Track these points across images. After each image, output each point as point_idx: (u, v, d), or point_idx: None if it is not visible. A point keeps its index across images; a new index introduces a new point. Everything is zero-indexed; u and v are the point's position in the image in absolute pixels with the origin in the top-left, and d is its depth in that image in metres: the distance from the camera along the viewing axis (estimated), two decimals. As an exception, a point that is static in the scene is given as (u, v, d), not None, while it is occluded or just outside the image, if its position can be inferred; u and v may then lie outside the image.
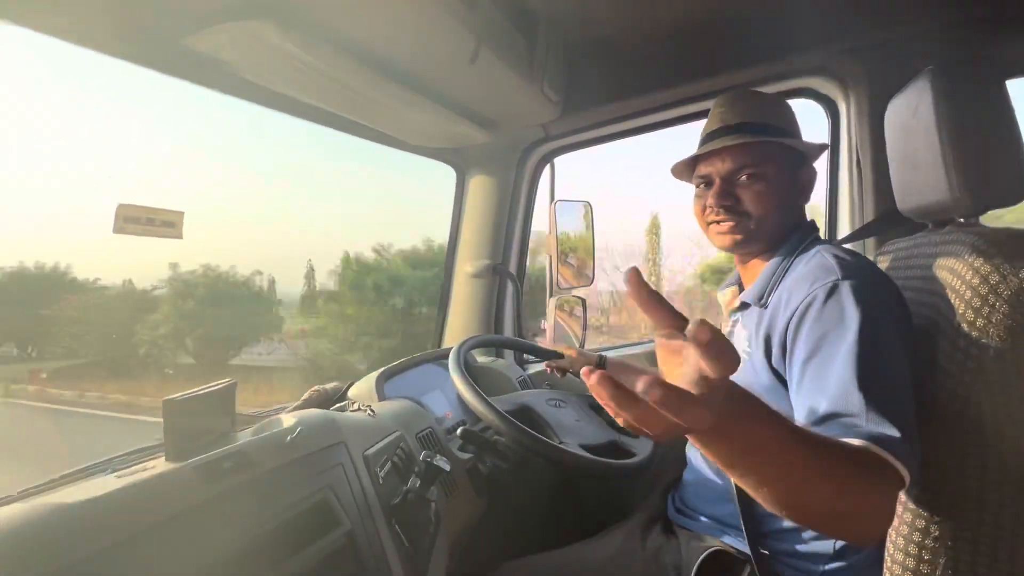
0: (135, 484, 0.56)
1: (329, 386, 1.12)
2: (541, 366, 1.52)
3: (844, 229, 1.18)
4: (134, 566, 0.50)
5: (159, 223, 0.88)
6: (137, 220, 0.86)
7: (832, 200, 1.21)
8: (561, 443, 0.98)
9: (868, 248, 1.13)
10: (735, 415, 0.42)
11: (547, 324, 1.59)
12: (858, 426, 0.57)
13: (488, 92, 1.14)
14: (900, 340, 0.65)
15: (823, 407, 0.61)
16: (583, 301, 1.62)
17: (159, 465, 0.63)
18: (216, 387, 0.73)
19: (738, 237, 0.83)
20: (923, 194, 0.77)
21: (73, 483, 0.72)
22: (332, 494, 0.66)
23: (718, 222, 0.83)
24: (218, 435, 0.72)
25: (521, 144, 1.45)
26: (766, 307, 0.78)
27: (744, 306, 0.86)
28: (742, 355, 0.82)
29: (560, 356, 1.28)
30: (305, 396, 1.05)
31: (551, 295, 1.58)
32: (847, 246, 1.11)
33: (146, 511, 0.53)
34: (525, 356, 1.55)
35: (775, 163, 0.82)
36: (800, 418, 0.65)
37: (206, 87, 0.89)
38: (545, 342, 1.42)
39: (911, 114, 0.77)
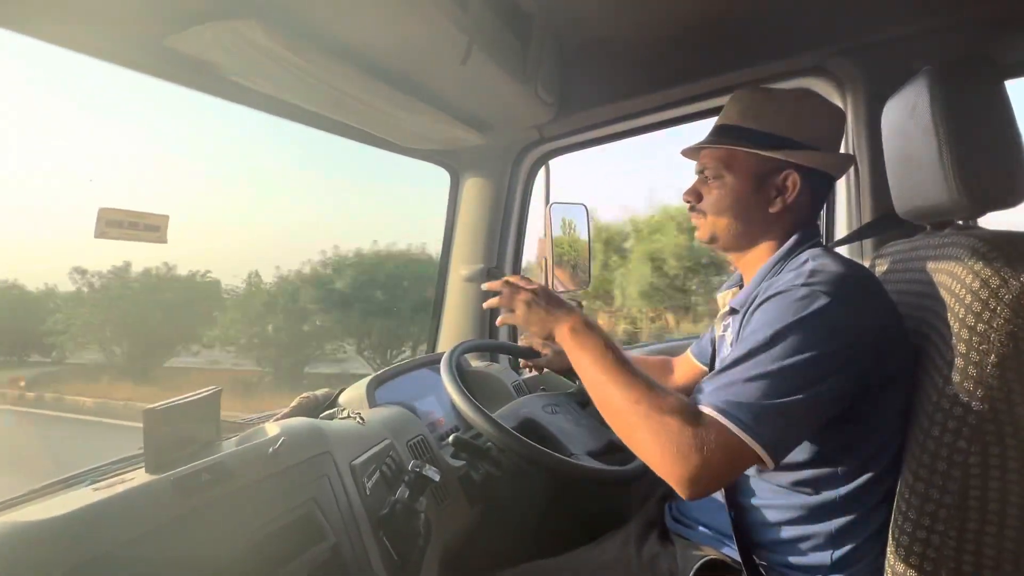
0: (112, 497, 0.54)
1: (319, 392, 1.10)
2: (521, 365, 1.50)
3: (841, 231, 1.17)
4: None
5: (143, 227, 0.86)
6: (120, 224, 0.84)
7: (829, 202, 1.20)
8: (571, 455, 0.95)
9: (866, 250, 1.11)
10: (573, 328, 0.76)
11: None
12: (706, 396, 0.63)
13: (481, 93, 1.13)
14: (846, 355, 0.63)
15: (705, 379, 0.66)
16: (579, 304, 1.60)
17: (138, 477, 0.62)
18: (200, 395, 0.72)
19: (701, 235, 0.86)
20: (921, 196, 0.75)
21: (51, 495, 0.71)
22: (316, 506, 0.64)
23: (693, 216, 0.87)
24: (201, 445, 0.70)
25: (515, 146, 1.44)
26: (751, 309, 0.76)
27: (733, 311, 0.84)
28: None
29: (536, 354, 1.26)
30: (294, 403, 1.03)
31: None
32: (843, 249, 1.10)
33: (123, 525, 0.52)
34: (520, 360, 1.54)
35: (738, 169, 0.81)
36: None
37: (190, 88, 0.87)
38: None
39: (908, 115, 0.75)
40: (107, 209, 0.81)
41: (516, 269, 1.57)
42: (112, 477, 0.67)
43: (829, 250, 0.78)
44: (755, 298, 0.74)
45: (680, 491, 0.61)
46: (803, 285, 0.66)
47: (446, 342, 1.51)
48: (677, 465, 0.60)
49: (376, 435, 0.87)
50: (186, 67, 0.80)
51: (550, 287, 1.52)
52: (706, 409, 0.62)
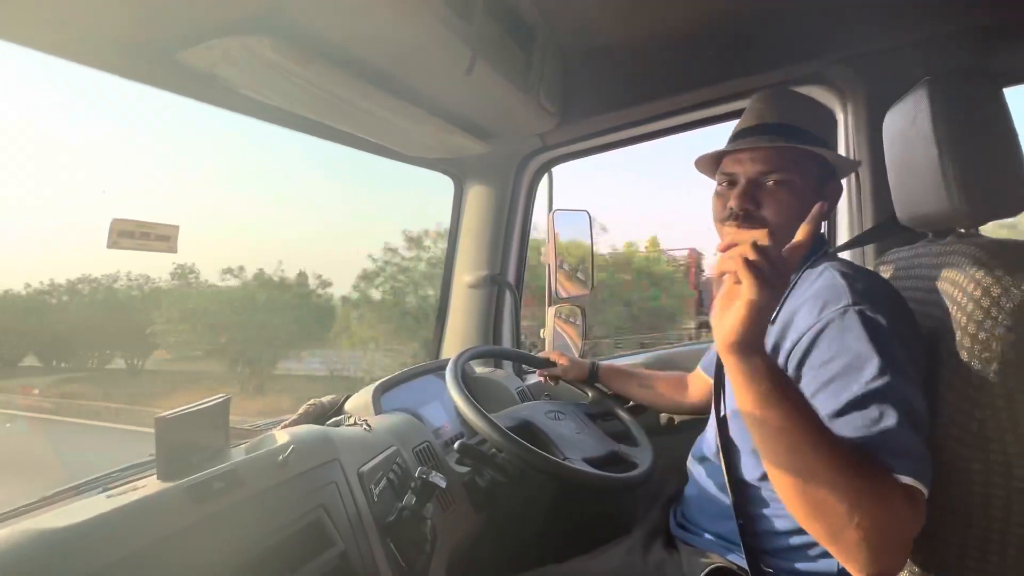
0: (126, 506, 0.55)
1: (326, 399, 1.11)
2: (536, 375, 1.51)
3: (843, 238, 1.17)
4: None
5: (154, 237, 0.88)
6: (131, 235, 0.85)
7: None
8: (565, 459, 0.97)
9: (867, 256, 1.12)
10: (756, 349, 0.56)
11: (546, 333, 1.59)
12: (896, 461, 0.56)
13: (485, 103, 1.14)
14: (912, 363, 0.64)
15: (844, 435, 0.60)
16: (582, 310, 1.61)
17: (150, 484, 0.63)
18: (209, 403, 0.73)
19: None
20: (922, 204, 0.76)
21: (65, 501, 0.72)
22: (325, 513, 0.65)
23: (739, 225, 0.79)
24: (211, 452, 0.71)
25: (519, 154, 1.45)
26: (773, 323, 0.76)
27: None
28: None
29: (552, 364, 1.27)
30: (301, 410, 1.04)
31: (550, 304, 1.57)
32: (847, 255, 1.10)
33: (136, 533, 0.52)
34: (524, 367, 1.54)
35: (805, 172, 0.77)
36: None
37: (201, 102, 0.89)
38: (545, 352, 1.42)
39: (909, 124, 0.76)
40: (119, 220, 0.83)
41: (519, 276, 1.58)
42: (124, 484, 0.68)
43: (843, 261, 0.79)
44: (780, 308, 0.75)
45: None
46: (852, 305, 0.65)
47: (450, 348, 1.52)
48: (889, 555, 0.54)
49: (383, 442, 0.87)
50: (197, 81, 0.82)
51: (552, 293, 1.53)
52: (905, 480, 0.55)
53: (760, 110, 0.82)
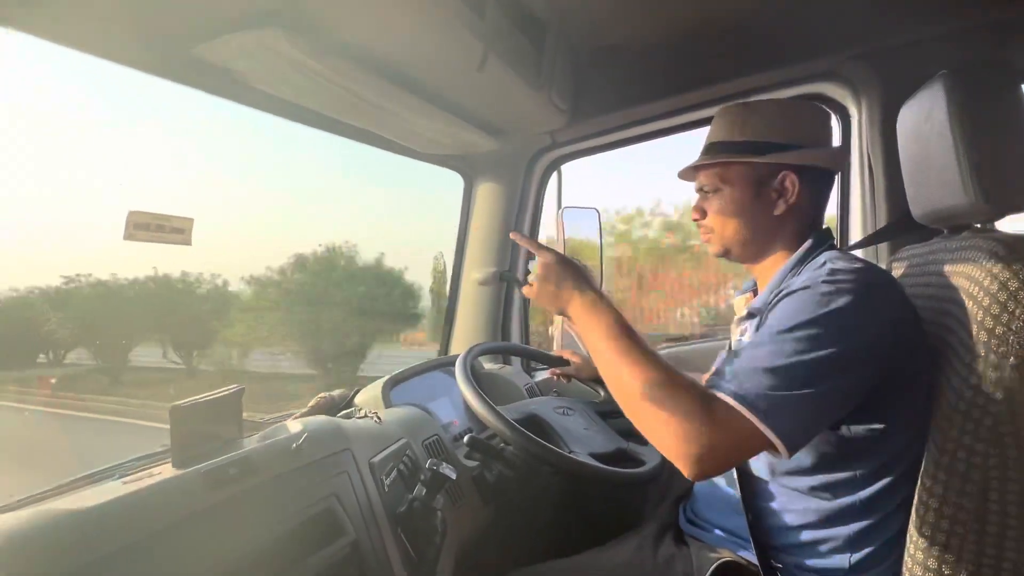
0: (141, 490, 0.56)
1: (336, 392, 1.11)
2: (548, 373, 1.51)
3: (856, 236, 1.17)
4: (139, 572, 0.49)
5: (169, 229, 0.89)
6: (147, 227, 0.86)
7: (843, 206, 1.20)
8: (570, 452, 0.98)
9: (881, 254, 1.11)
10: (586, 305, 0.74)
11: (554, 331, 1.59)
12: (722, 382, 0.63)
13: (496, 99, 1.15)
14: (844, 359, 0.63)
15: (720, 366, 0.68)
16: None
17: (165, 471, 0.63)
18: (223, 393, 0.73)
19: (713, 248, 0.88)
20: (938, 200, 0.75)
21: (80, 488, 0.73)
22: (337, 502, 0.66)
23: (702, 232, 0.89)
24: (225, 442, 0.72)
25: (528, 151, 1.45)
26: (770, 310, 0.77)
27: (751, 315, 0.85)
28: None
29: (566, 363, 1.27)
30: (312, 403, 1.05)
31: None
32: (858, 252, 1.10)
33: (151, 517, 0.53)
34: (532, 363, 1.54)
35: (736, 180, 0.83)
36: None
37: (217, 95, 0.90)
38: (554, 349, 1.42)
39: (924, 119, 0.76)
40: (135, 212, 0.84)
41: (528, 273, 1.58)
42: (139, 471, 0.69)
43: (846, 252, 0.79)
44: (774, 299, 0.75)
45: (685, 470, 0.62)
46: (824, 282, 0.66)
47: (458, 344, 1.52)
48: (686, 444, 0.61)
49: (393, 434, 0.88)
50: (212, 75, 0.83)
51: None
52: (722, 395, 0.62)
53: (712, 129, 0.89)
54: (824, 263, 0.73)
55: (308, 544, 0.60)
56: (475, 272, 1.51)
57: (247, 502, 0.59)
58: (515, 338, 1.55)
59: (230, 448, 0.70)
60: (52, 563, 0.46)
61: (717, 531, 0.86)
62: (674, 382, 0.64)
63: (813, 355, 0.62)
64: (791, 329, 0.64)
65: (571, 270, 0.78)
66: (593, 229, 1.61)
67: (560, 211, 1.55)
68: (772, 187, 0.82)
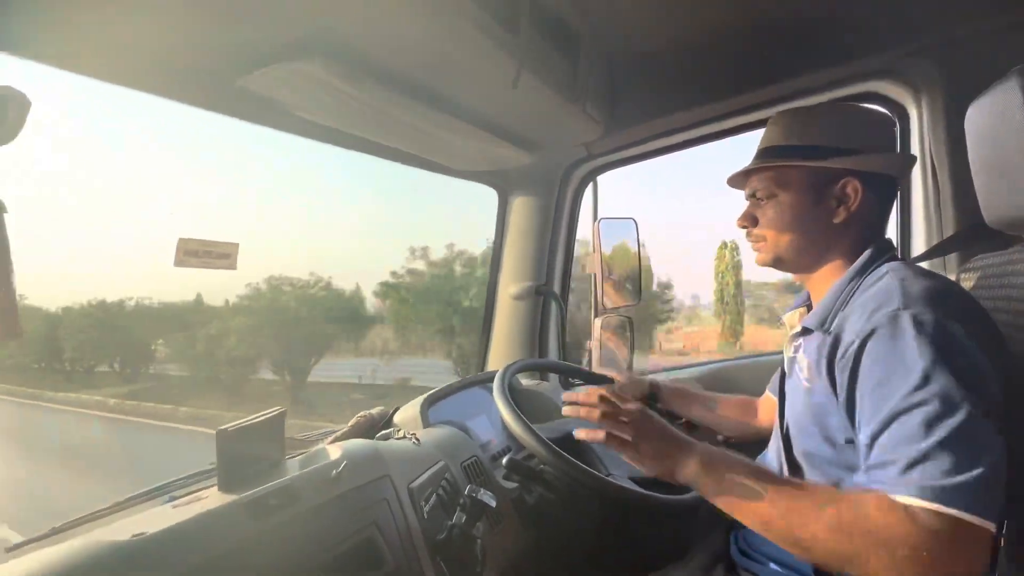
0: (190, 520, 0.57)
1: (375, 411, 1.12)
2: (586, 390, 1.47)
3: (920, 245, 1.08)
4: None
5: (216, 255, 0.92)
6: (195, 253, 0.90)
7: (904, 215, 1.12)
8: (609, 475, 0.94)
9: (950, 265, 1.02)
10: (702, 465, 0.68)
11: (592, 345, 1.55)
12: (896, 479, 0.56)
13: (530, 114, 1.14)
14: (973, 374, 0.58)
15: (878, 456, 0.60)
16: (630, 321, 1.57)
17: (212, 496, 0.65)
18: (266, 416, 0.75)
19: (762, 257, 0.84)
20: (1016, 205, 0.69)
21: (133, 507, 0.75)
22: (377, 531, 0.65)
23: (752, 241, 0.85)
24: (268, 465, 0.73)
25: (563, 164, 1.44)
26: (829, 333, 0.72)
27: (807, 331, 0.80)
28: (802, 384, 0.76)
29: (609, 381, 1.23)
30: (352, 422, 1.05)
31: (596, 315, 1.54)
32: (924, 264, 1.02)
33: (198, 547, 0.54)
34: (571, 379, 1.51)
35: (793, 185, 0.79)
36: (862, 455, 0.63)
37: (258, 124, 0.93)
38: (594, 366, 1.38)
39: (998, 118, 0.69)
40: (185, 239, 0.88)
41: (565, 286, 1.56)
42: (188, 493, 0.70)
43: (910, 264, 0.73)
44: (832, 317, 0.72)
45: None
46: (907, 309, 0.61)
47: (496, 360, 1.51)
48: (898, 572, 0.53)
49: (431, 457, 0.87)
50: (254, 105, 0.85)
51: (600, 303, 1.49)
52: (914, 501, 0.54)
53: (767, 135, 0.86)
54: (886, 274, 0.69)
55: (348, 574, 0.60)
56: (511, 286, 1.50)
57: (289, 531, 0.59)
58: (552, 354, 1.53)
59: (273, 471, 0.70)
60: None
61: (773, 565, 0.81)
62: (850, 505, 0.57)
63: (965, 405, 0.55)
64: (924, 382, 0.57)
65: (662, 423, 0.73)
66: (631, 239, 1.57)
67: (596, 222, 1.52)
68: (833, 194, 0.78)
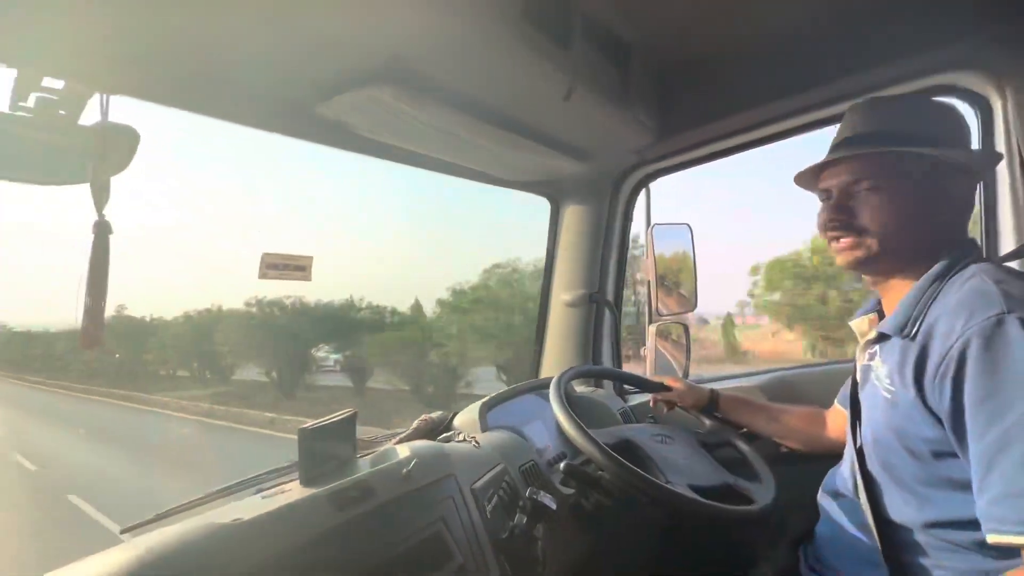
0: (281, 508, 0.62)
1: (435, 415, 1.17)
2: (643, 397, 1.46)
3: (1008, 245, 1.00)
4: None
5: (293, 268, 1.00)
6: (276, 266, 0.98)
7: (989, 212, 1.04)
8: (667, 482, 0.93)
9: None
10: None
11: (647, 352, 1.54)
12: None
13: (581, 124, 1.16)
14: None
15: (995, 484, 0.56)
16: (686, 328, 1.54)
17: (295, 489, 0.70)
18: (339, 416, 0.80)
19: (857, 255, 0.76)
20: None
21: (224, 497, 0.83)
22: (444, 527, 0.68)
23: (835, 239, 0.77)
24: (341, 462, 0.78)
25: (615, 171, 1.44)
26: (913, 339, 0.68)
27: (883, 337, 0.76)
28: (883, 394, 0.73)
29: (667, 389, 1.22)
30: (415, 424, 1.10)
31: (650, 322, 1.52)
32: (1013, 264, 0.94)
33: (287, 533, 0.59)
34: (626, 387, 1.50)
35: (903, 174, 0.72)
36: (975, 474, 0.59)
37: (332, 147, 1.01)
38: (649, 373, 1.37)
39: None
40: (268, 254, 0.96)
41: (619, 292, 1.55)
42: (273, 487, 0.77)
43: (999, 264, 0.69)
44: (915, 322, 0.68)
45: None
46: (1008, 313, 0.58)
47: (549, 367, 1.53)
48: None
49: (491, 459, 0.90)
50: (329, 130, 0.93)
51: (654, 309, 1.48)
52: None
53: (852, 122, 0.78)
54: (974, 275, 0.65)
55: (420, 567, 0.64)
56: (564, 294, 1.51)
57: (366, 523, 0.63)
58: (606, 361, 1.52)
59: (347, 468, 0.76)
60: (214, 572, 0.53)
61: (846, 581, 0.77)
62: None
63: None
64: None
65: None
66: (686, 245, 1.55)
67: (650, 228, 1.51)
68: (941, 188, 0.72)
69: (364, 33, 0.72)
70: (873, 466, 0.75)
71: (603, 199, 1.47)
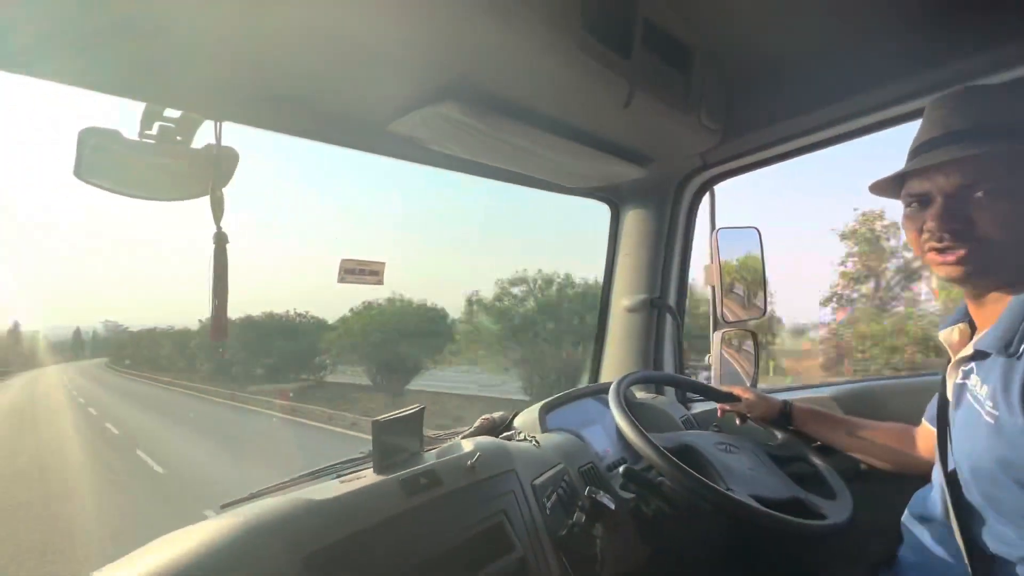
0: (358, 490, 0.68)
1: (496, 415, 1.21)
2: (707, 406, 1.42)
3: None
4: (355, 560, 0.61)
5: (368, 272, 1.08)
6: (352, 271, 1.07)
7: None
8: (728, 489, 0.90)
9: None
10: None
11: (712, 360, 1.49)
12: None
13: (642, 130, 1.16)
14: None
15: None
16: (753, 335, 1.48)
17: (368, 476, 0.76)
18: (409, 411, 0.86)
19: (971, 268, 0.67)
20: None
21: (307, 483, 0.91)
22: (506, 519, 0.72)
23: (942, 250, 0.68)
24: (409, 454, 0.84)
25: (678, 175, 1.42)
26: (1019, 357, 0.62)
27: (981, 354, 0.70)
28: (984, 419, 0.66)
29: (735, 399, 1.17)
30: (477, 423, 1.15)
31: (715, 328, 1.48)
32: None
33: (366, 513, 0.65)
34: (689, 395, 1.47)
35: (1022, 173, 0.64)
36: None
37: (403, 160, 1.08)
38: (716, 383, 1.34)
39: None
40: (346, 260, 1.05)
41: (681, 298, 1.53)
42: (350, 473, 0.84)
43: None
44: (1022, 338, 0.62)
45: None
46: None
47: (609, 372, 1.53)
48: None
49: (551, 459, 0.92)
50: (401, 145, 1.00)
51: (719, 316, 1.44)
52: None
53: (943, 117, 0.69)
54: None
55: (483, 555, 0.67)
56: (624, 299, 1.51)
57: (434, 510, 0.68)
58: (668, 367, 1.50)
59: (415, 460, 0.81)
60: (299, 545, 0.59)
61: (931, 609, 0.72)
62: None
63: None
64: None
65: None
66: (753, 250, 1.50)
67: (714, 233, 1.48)
68: None
69: (431, 54, 0.78)
70: (972, 495, 0.69)
71: (665, 203, 1.46)
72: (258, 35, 0.69)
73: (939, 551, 0.73)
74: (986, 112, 0.67)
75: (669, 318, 1.49)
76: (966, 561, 0.66)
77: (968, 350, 0.71)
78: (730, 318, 1.44)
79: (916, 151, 0.73)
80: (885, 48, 1.04)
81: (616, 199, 1.53)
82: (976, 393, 0.69)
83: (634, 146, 1.22)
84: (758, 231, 1.47)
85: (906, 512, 0.84)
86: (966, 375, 0.72)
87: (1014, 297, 0.66)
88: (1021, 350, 0.62)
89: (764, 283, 1.48)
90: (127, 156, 0.80)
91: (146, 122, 0.83)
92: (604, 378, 1.54)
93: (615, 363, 1.51)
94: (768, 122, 1.22)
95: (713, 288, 1.47)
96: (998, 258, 0.66)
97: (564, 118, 1.03)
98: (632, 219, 1.50)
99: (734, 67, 1.19)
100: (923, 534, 0.77)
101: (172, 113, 0.83)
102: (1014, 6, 0.92)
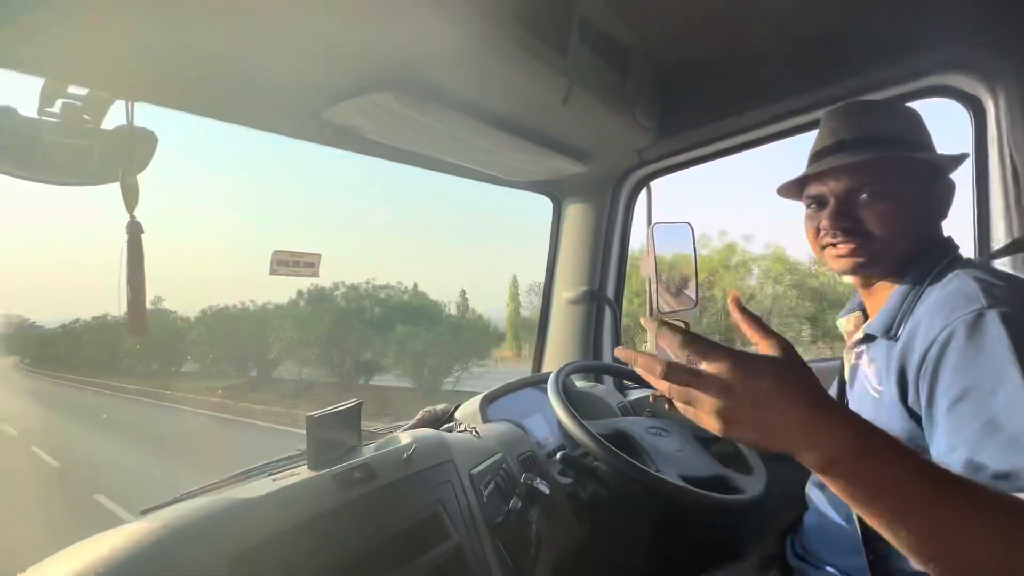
0: (289, 487, 0.67)
1: (439, 407, 1.21)
2: (642, 393, 1.49)
3: (999, 244, 1.02)
4: (287, 558, 0.60)
5: (302, 264, 1.05)
6: (285, 263, 1.03)
7: (982, 213, 1.05)
8: (658, 471, 0.96)
9: (1017, 265, 0.96)
10: (854, 448, 0.46)
11: (648, 350, 1.56)
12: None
13: (581, 126, 1.19)
14: None
15: (987, 465, 0.54)
16: (687, 325, 1.57)
17: (303, 472, 0.75)
18: (346, 406, 0.85)
19: (860, 260, 0.75)
20: None
21: (239, 483, 0.88)
22: (442, 508, 0.73)
23: (834, 244, 0.76)
24: (347, 449, 0.83)
25: (616, 171, 1.47)
26: (897, 339, 0.70)
27: (870, 338, 0.78)
28: (871, 394, 0.75)
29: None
30: (418, 416, 1.15)
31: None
32: (999, 263, 0.96)
33: (298, 509, 0.64)
34: (626, 382, 1.54)
35: (903, 178, 0.73)
36: (957, 463, 0.58)
37: (338, 148, 1.05)
38: None
39: None
40: (278, 251, 1.01)
41: (619, 291, 1.58)
42: (284, 471, 0.81)
43: (982, 265, 0.71)
44: (900, 323, 0.70)
45: None
46: (988, 308, 0.59)
47: (550, 363, 1.56)
48: None
49: (490, 448, 0.94)
50: (335, 133, 0.97)
51: (655, 308, 1.51)
52: None
53: (833, 128, 0.78)
54: (956, 276, 0.67)
55: (419, 544, 0.68)
56: (566, 291, 1.55)
57: (368, 503, 0.68)
58: (607, 357, 1.56)
59: (352, 454, 0.80)
60: (227, 545, 0.58)
61: (829, 568, 0.80)
62: None
63: None
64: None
65: (803, 380, 0.48)
66: (686, 244, 1.57)
67: (651, 227, 1.54)
68: (936, 191, 0.75)
69: (369, 42, 0.76)
70: None
71: (604, 198, 1.50)
72: (175, 6, 0.64)
73: (835, 513, 0.81)
74: (868, 125, 0.76)
75: (608, 310, 1.55)
76: (856, 522, 0.75)
77: (860, 335, 0.80)
78: (665, 309, 1.51)
79: (814, 157, 0.81)
80: (808, 55, 1.13)
81: (558, 193, 1.56)
82: (866, 372, 0.77)
83: (573, 142, 1.25)
84: (691, 226, 1.55)
85: (809, 482, 0.92)
86: (859, 357, 0.80)
87: (897, 286, 0.75)
88: (899, 332, 0.70)
89: (696, 276, 1.56)
90: (25, 135, 0.73)
91: (47, 99, 0.76)
92: (546, 368, 1.58)
93: (556, 353, 1.55)
94: (701, 121, 1.29)
95: (649, 280, 1.53)
96: (882, 251, 0.74)
97: (505, 112, 1.04)
98: (573, 213, 1.54)
99: (669, 67, 1.25)
100: (821, 498, 0.85)
101: (77, 91, 0.77)
102: (919, 22, 1.03)
